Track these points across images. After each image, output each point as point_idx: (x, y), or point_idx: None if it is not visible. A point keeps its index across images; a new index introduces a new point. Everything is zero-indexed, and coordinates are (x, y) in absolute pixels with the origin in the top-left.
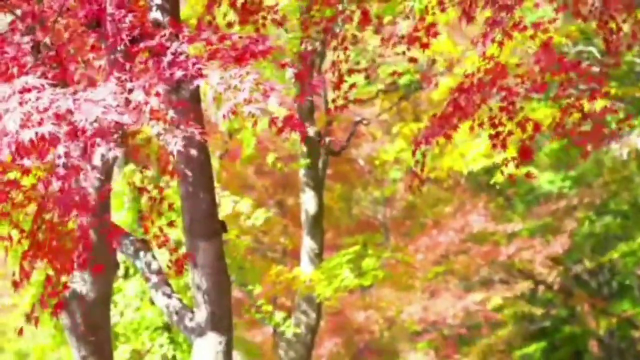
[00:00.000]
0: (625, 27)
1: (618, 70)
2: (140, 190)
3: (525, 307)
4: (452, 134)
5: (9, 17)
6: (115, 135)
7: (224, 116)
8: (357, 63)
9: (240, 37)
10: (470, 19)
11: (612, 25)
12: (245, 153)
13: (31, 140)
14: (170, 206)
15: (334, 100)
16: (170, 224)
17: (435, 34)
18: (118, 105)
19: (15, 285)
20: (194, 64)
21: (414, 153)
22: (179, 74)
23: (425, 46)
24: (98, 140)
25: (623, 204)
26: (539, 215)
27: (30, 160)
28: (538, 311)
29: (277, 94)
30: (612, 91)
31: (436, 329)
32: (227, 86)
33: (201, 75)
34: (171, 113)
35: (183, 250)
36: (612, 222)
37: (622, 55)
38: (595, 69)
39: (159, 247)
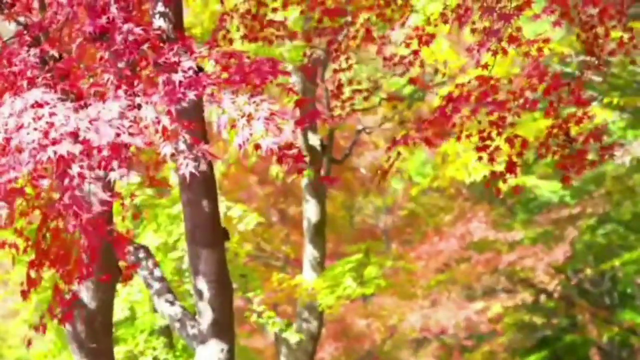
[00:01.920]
0: (614, 34)
1: (620, 80)
2: (112, 195)
3: (527, 316)
4: (434, 141)
5: (13, 25)
6: (128, 156)
7: (239, 145)
8: (354, 82)
9: (248, 58)
10: (462, 24)
11: (600, 30)
12: (232, 158)
13: (49, 159)
14: (136, 216)
15: (331, 109)
16: (128, 232)
17: (427, 42)
18: (130, 126)
19: (24, 294)
20: (205, 86)
21: (388, 149)
22: (191, 95)
23: (415, 53)
24: (114, 163)
25: (625, 214)
26: (541, 223)
27: (47, 180)
28: (539, 320)
29: (290, 126)
30: (614, 101)
31: (438, 338)
32: (242, 113)
33: (212, 97)
34: (183, 132)
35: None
36: (614, 232)
37: (625, 65)
38: (598, 78)
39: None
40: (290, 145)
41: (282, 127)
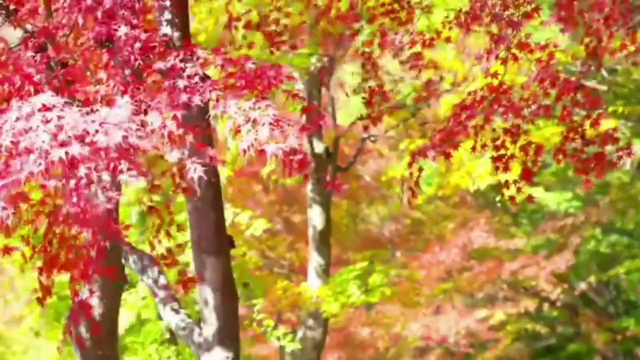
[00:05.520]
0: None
1: (624, 89)
2: (150, 210)
3: (530, 324)
4: (452, 152)
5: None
6: (137, 161)
7: (244, 151)
8: (362, 85)
9: (254, 63)
10: (468, 30)
11: (604, 35)
12: (229, 162)
13: (60, 160)
14: (180, 227)
15: (361, 117)
16: (179, 246)
17: (431, 45)
18: (138, 129)
19: (40, 301)
20: (211, 91)
21: (409, 165)
22: (196, 100)
23: (418, 57)
24: (123, 166)
25: (629, 223)
26: (545, 232)
27: (54, 181)
28: (543, 329)
29: (295, 131)
30: (619, 110)
31: (441, 346)
32: (247, 119)
33: (218, 102)
34: (189, 138)
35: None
36: (618, 241)
37: (630, 73)
38: (603, 87)
39: (168, 267)
40: (295, 151)
41: (287, 132)
